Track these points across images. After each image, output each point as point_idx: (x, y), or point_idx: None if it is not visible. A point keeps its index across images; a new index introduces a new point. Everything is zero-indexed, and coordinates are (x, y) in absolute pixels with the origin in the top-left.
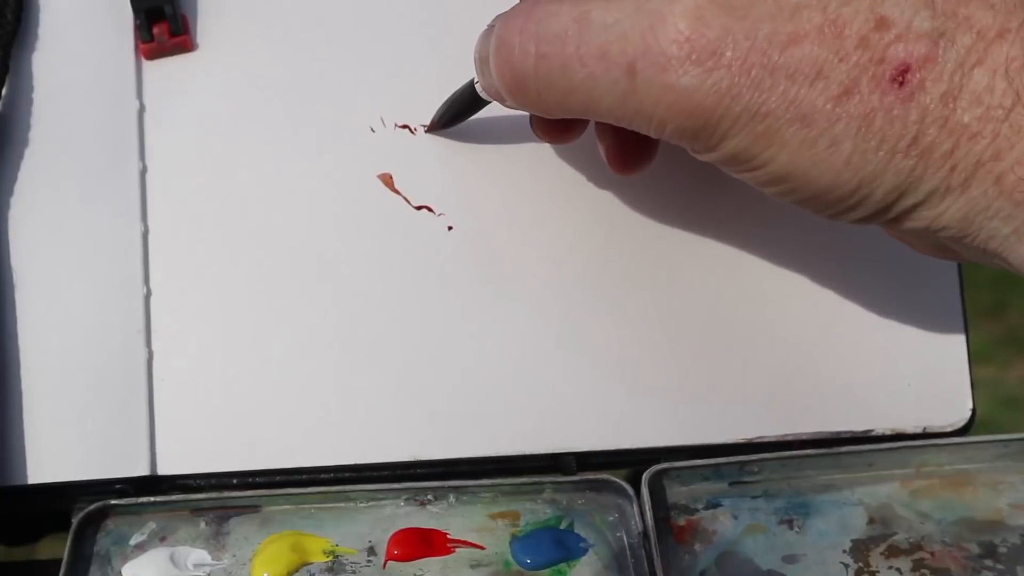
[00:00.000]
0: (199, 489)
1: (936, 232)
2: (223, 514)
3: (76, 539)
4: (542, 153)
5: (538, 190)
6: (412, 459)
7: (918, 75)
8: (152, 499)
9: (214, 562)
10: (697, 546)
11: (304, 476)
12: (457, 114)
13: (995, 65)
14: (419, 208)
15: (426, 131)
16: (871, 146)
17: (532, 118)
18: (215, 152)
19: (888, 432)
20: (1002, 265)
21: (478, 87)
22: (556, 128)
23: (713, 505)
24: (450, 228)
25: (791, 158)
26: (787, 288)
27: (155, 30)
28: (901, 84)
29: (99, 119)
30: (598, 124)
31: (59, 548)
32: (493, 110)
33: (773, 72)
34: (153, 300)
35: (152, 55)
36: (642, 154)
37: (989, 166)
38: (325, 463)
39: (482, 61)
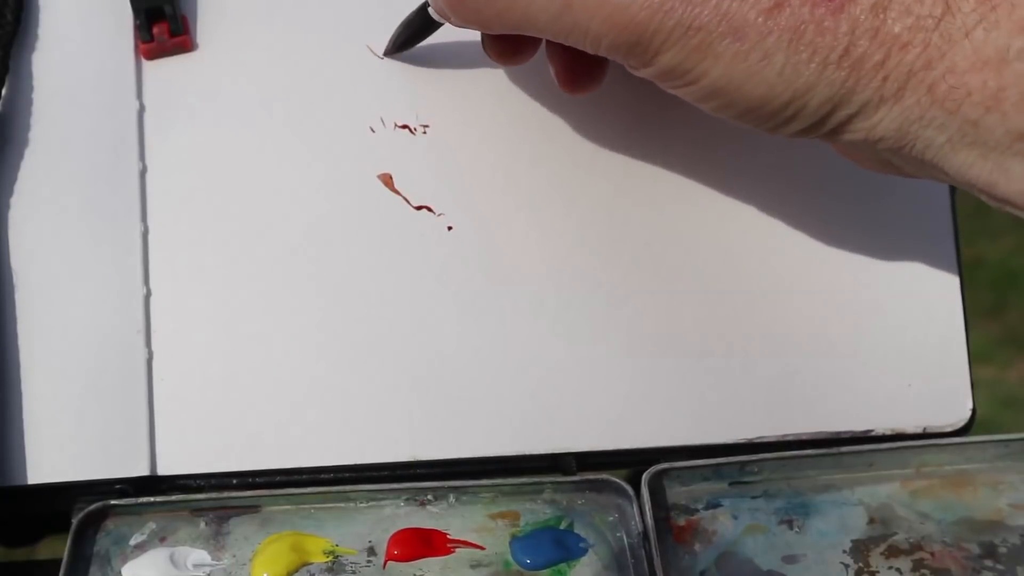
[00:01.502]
0: (199, 489)
1: (874, 143)
2: (223, 514)
3: (76, 539)
4: (542, 153)
5: (538, 190)
6: (412, 459)
7: None
8: (152, 499)
9: (214, 562)
10: (697, 546)
11: (304, 476)
12: (410, 37)
13: None
14: (419, 208)
15: (383, 55)
16: (803, 58)
17: (483, 39)
18: (215, 152)
19: (888, 432)
20: (940, 176)
21: (429, 8)
22: (507, 49)
23: (713, 505)
24: (450, 228)
25: (725, 71)
26: (787, 288)
27: (155, 30)
28: None
29: (99, 119)
30: (548, 44)
31: (59, 548)
32: (494, 108)
33: None
34: (153, 300)
35: (152, 55)
36: (591, 74)
37: (921, 75)
38: (325, 463)
39: None
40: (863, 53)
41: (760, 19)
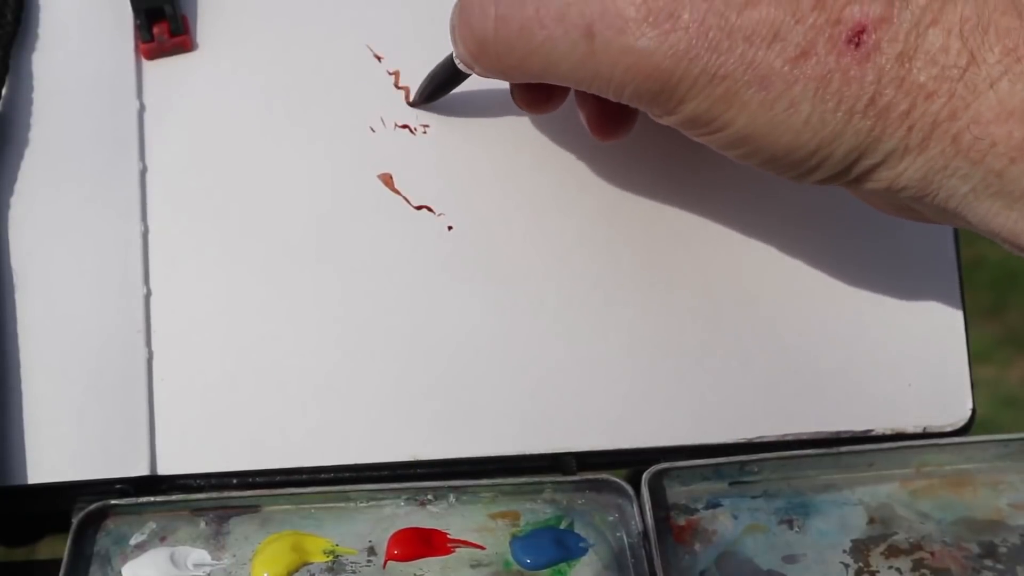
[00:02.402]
0: (199, 489)
1: (897, 192)
2: (223, 514)
3: (76, 539)
4: (542, 153)
5: (538, 190)
6: (412, 459)
7: (874, 36)
8: (152, 499)
9: (214, 562)
10: (697, 546)
11: (304, 476)
12: (438, 88)
13: (949, 25)
14: (419, 208)
15: (410, 105)
16: (829, 107)
17: (512, 88)
18: (215, 152)
19: (888, 432)
20: (962, 224)
21: (456, 60)
22: (536, 98)
23: (713, 505)
24: (450, 228)
25: (750, 120)
26: (787, 288)
27: (155, 30)
28: (857, 45)
29: (99, 119)
30: (577, 93)
31: (59, 548)
32: (494, 108)
33: (731, 34)
34: (153, 300)
35: (152, 55)
36: (622, 120)
37: (946, 125)
38: (325, 463)
39: (452, 29)
40: (889, 102)
41: (786, 68)
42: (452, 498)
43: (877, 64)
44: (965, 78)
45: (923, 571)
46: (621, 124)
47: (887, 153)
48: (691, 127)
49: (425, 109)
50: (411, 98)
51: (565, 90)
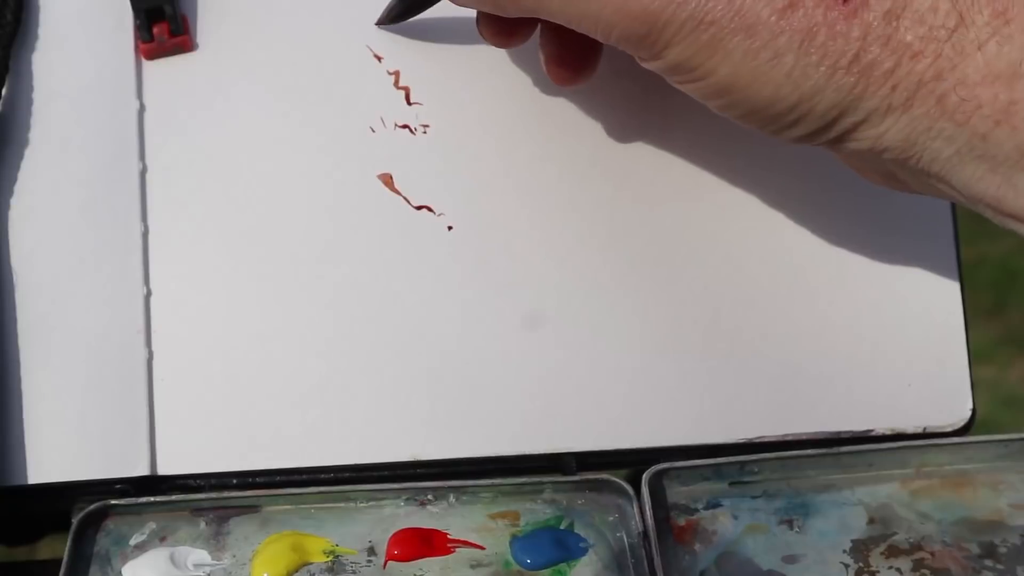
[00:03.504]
0: (199, 489)
1: (880, 153)
2: (223, 514)
3: (76, 539)
4: (543, 152)
5: (538, 190)
6: (412, 459)
7: None
8: (152, 499)
9: (214, 562)
10: (697, 546)
11: (304, 476)
12: (406, 9)
13: None
14: (419, 208)
15: (375, 24)
16: (812, 61)
17: (479, 18)
18: (215, 152)
19: (888, 432)
20: (944, 191)
21: None
22: (502, 30)
23: (713, 505)
24: (450, 228)
25: (733, 69)
26: (787, 288)
27: (155, 30)
28: (846, 1)
29: (99, 119)
30: (542, 31)
31: (59, 548)
32: (494, 108)
33: None
34: (153, 300)
35: (152, 55)
36: (582, 66)
37: (931, 86)
38: (325, 463)
39: None
40: (873, 60)
41: (773, 18)
42: (452, 498)
43: (864, 20)
44: (953, 39)
45: (923, 571)
46: (581, 70)
47: (869, 111)
48: (674, 73)
49: (389, 29)
50: (378, 18)
51: (532, 26)
